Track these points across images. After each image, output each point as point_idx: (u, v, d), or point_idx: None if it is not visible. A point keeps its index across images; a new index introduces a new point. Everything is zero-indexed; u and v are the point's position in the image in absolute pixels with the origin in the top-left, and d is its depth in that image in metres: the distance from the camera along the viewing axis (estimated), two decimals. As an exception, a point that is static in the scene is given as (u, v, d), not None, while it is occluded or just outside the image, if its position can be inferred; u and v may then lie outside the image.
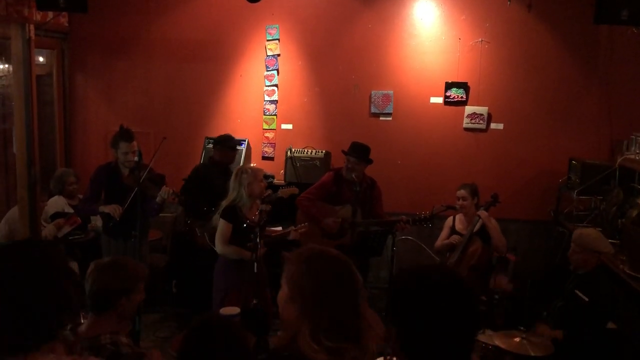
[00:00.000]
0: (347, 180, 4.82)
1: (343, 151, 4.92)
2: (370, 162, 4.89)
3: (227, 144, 5.42)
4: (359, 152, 4.84)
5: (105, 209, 4.49)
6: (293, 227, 4.50)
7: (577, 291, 3.75)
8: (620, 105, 5.68)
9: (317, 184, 5.04)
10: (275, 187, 5.47)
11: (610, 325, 3.79)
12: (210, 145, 5.96)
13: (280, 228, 5.07)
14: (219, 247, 4.24)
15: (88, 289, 2.40)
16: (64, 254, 1.71)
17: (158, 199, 4.52)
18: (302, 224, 4.52)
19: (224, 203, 4.27)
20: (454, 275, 1.53)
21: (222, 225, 4.23)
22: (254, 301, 3.73)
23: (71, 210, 5.21)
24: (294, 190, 4.87)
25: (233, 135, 6.23)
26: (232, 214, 4.20)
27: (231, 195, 4.25)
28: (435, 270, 1.57)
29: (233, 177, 4.29)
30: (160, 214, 5.08)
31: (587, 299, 3.68)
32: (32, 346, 1.55)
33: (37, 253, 1.64)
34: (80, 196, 5.40)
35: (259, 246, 3.91)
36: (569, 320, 3.74)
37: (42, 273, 1.59)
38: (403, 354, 1.48)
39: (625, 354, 3.84)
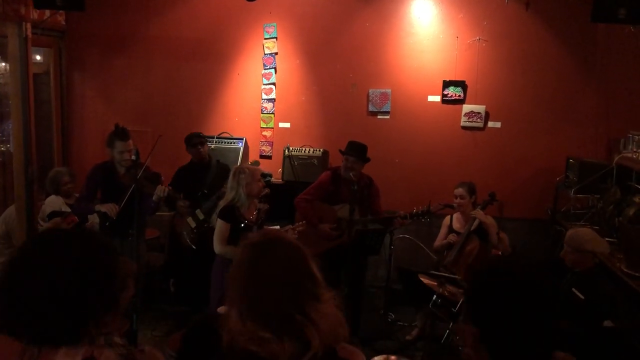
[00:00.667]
0: (344, 179, 4.83)
1: (340, 150, 4.92)
2: (368, 160, 4.89)
3: (190, 143, 5.44)
4: (358, 151, 4.84)
5: (102, 207, 4.48)
6: (290, 226, 4.51)
7: (573, 289, 3.75)
8: (617, 104, 5.69)
9: (314, 183, 5.05)
10: (271, 185, 5.51)
11: (608, 323, 3.79)
12: (208, 145, 5.97)
13: (278, 227, 5.08)
14: (217, 247, 4.24)
15: None
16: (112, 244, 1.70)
17: (154, 198, 4.52)
18: (300, 223, 4.53)
19: (222, 203, 4.27)
20: (537, 272, 1.52)
21: (220, 226, 4.23)
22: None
23: (68, 210, 5.20)
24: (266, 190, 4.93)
25: (231, 133, 6.26)
26: (230, 214, 4.20)
27: (229, 194, 4.25)
28: (519, 268, 1.54)
29: (231, 176, 4.29)
30: (158, 212, 5.10)
31: (582, 298, 3.69)
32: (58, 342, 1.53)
33: (106, 247, 1.63)
34: (77, 195, 5.39)
35: None
36: (565, 318, 3.75)
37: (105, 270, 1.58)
38: (487, 354, 1.45)
39: (623, 352, 3.84)
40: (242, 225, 4.16)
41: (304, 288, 1.55)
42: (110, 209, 4.42)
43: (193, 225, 5.19)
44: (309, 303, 1.53)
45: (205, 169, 5.45)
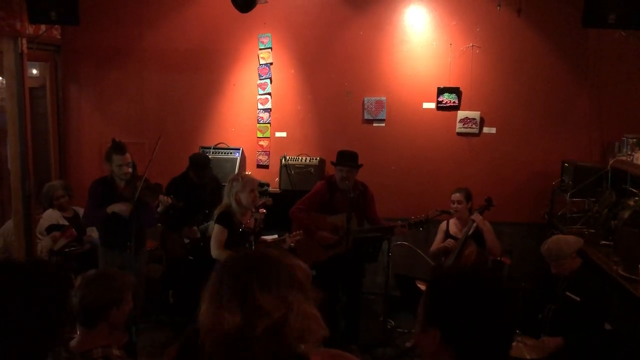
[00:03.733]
0: (339, 188, 4.84)
1: (333, 162, 4.93)
2: (360, 166, 4.91)
3: (203, 167, 5.40)
4: (352, 160, 4.86)
5: (115, 208, 4.53)
6: (288, 235, 4.54)
7: (568, 293, 3.78)
8: (610, 107, 5.72)
9: (309, 194, 5.05)
10: (269, 194, 5.52)
11: (606, 326, 3.81)
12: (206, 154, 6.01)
13: (275, 236, 5.09)
14: (214, 251, 4.29)
15: (77, 303, 2.40)
16: (65, 273, 1.75)
17: (160, 208, 4.57)
18: (297, 232, 4.57)
19: (218, 210, 4.35)
20: (492, 276, 1.62)
21: (217, 230, 4.28)
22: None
23: (66, 223, 5.22)
24: (267, 200, 4.94)
25: (227, 143, 6.28)
26: (227, 219, 4.27)
27: (225, 200, 4.36)
28: (475, 273, 1.62)
29: (227, 183, 4.39)
30: (157, 224, 5.13)
31: (578, 299, 3.72)
32: None
33: (40, 274, 1.64)
34: (75, 208, 5.41)
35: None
36: (565, 323, 3.77)
37: (43, 294, 1.60)
38: (449, 350, 1.50)
39: (621, 354, 3.86)
40: (240, 230, 4.22)
41: (274, 280, 1.50)
42: (121, 208, 4.48)
43: (187, 241, 5.23)
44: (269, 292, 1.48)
45: (202, 185, 5.43)
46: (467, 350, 1.48)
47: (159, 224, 5.23)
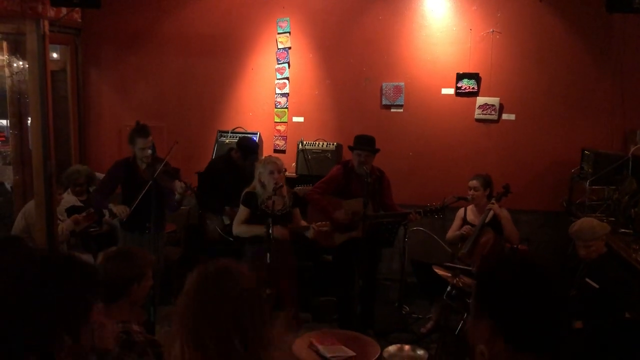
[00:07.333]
0: (355, 173, 4.84)
1: (350, 147, 4.91)
2: (378, 150, 4.89)
3: (253, 157, 5.34)
4: (370, 144, 4.85)
5: (114, 208, 4.61)
6: (314, 225, 4.50)
7: (587, 279, 3.76)
8: (633, 95, 5.63)
9: (325, 177, 5.06)
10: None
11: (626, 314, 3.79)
12: (223, 139, 6.03)
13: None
14: (234, 228, 4.46)
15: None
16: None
17: (177, 197, 4.60)
18: (323, 222, 4.51)
19: (246, 189, 4.49)
20: (547, 262, 1.55)
21: (240, 209, 4.45)
22: (267, 291, 3.79)
23: (81, 205, 5.30)
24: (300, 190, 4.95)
25: (245, 127, 6.30)
26: (249, 199, 4.41)
27: (253, 183, 4.49)
28: (532, 259, 1.57)
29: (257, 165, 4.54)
30: (178, 210, 5.17)
31: (597, 287, 3.70)
32: None
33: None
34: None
35: (271, 232, 4.01)
36: (582, 309, 3.75)
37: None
38: (504, 343, 1.44)
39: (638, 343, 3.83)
40: (258, 212, 4.32)
41: (247, 320, 1.53)
42: (120, 211, 4.55)
43: (227, 222, 5.26)
44: (250, 334, 1.51)
45: (243, 168, 5.44)
46: (518, 339, 1.44)
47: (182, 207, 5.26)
